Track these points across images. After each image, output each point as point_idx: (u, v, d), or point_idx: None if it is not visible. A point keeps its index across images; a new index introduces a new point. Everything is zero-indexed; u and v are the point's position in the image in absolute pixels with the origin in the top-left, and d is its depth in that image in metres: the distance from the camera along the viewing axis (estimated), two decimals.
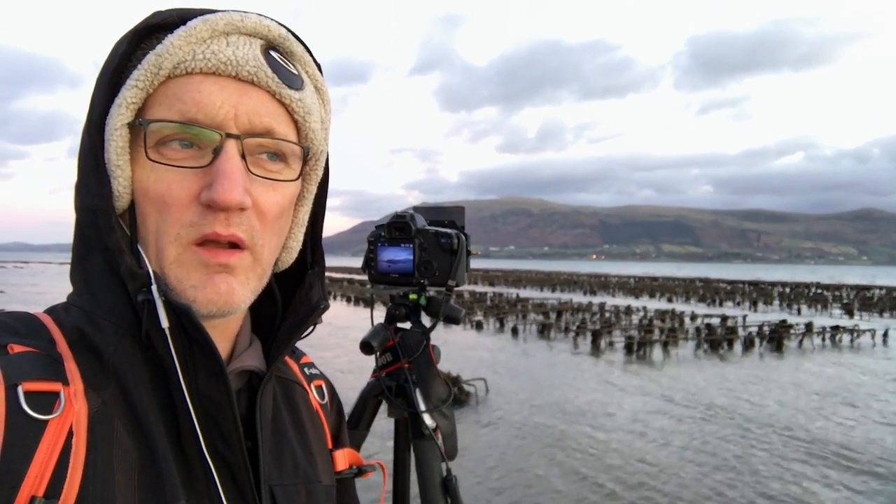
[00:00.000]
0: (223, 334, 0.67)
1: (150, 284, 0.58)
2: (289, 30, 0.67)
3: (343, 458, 0.85)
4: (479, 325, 21.50)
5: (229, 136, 0.59)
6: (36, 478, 0.50)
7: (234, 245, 0.61)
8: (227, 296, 0.61)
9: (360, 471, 0.88)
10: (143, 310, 0.58)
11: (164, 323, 0.58)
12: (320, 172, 0.73)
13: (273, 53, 0.64)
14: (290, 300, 0.75)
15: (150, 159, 0.59)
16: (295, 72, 0.66)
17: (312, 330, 0.75)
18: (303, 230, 0.74)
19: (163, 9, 0.64)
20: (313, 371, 0.88)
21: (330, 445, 0.84)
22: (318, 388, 0.86)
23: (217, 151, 0.59)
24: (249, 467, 0.63)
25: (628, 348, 16.17)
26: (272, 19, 0.65)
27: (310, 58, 0.69)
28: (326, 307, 0.76)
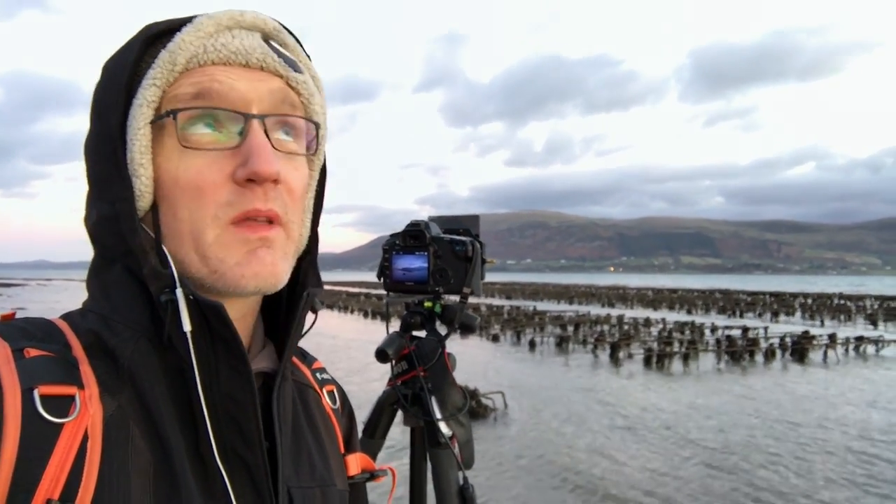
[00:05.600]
0: (244, 331, 0.68)
1: (175, 287, 0.58)
2: (282, 24, 0.70)
3: (355, 463, 0.85)
4: (495, 338, 21.40)
5: (252, 116, 0.62)
6: (51, 481, 0.50)
7: (270, 221, 0.62)
8: (272, 267, 0.62)
9: (372, 475, 0.87)
10: (165, 311, 0.59)
11: (187, 325, 0.58)
12: (322, 157, 0.75)
13: (272, 42, 0.67)
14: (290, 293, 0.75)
15: (185, 145, 0.60)
16: (293, 58, 0.69)
17: (314, 322, 0.76)
18: (309, 216, 0.75)
19: (157, 20, 0.66)
20: (325, 376, 0.88)
21: (342, 450, 0.84)
22: (330, 393, 0.87)
23: (243, 132, 0.62)
24: (268, 468, 0.63)
25: (647, 361, 15.98)
26: (266, 15, 0.69)
27: (301, 49, 0.72)
28: (320, 290, 0.75)
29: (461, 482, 1.54)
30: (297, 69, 0.68)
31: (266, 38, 0.67)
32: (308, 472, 0.72)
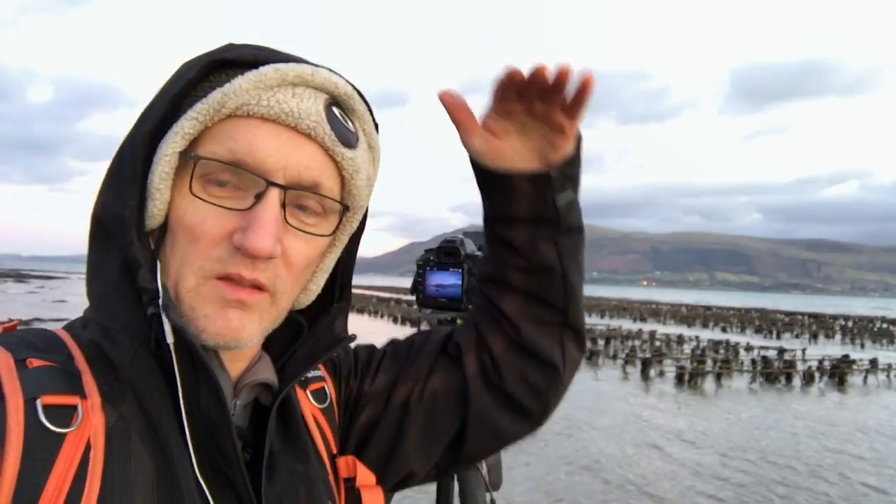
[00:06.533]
0: (237, 354, 0.68)
1: (158, 299, 0.59)
2: (355, 88, 0.68)
3: (345, 466, 0.80)
4: None
5: (273, 184, 0.60)
6: (54, 491, 0.50)
7: (256, 287, 0.62)
8: (236, 331, 0.62)
9: (352, 487, 0.79)
10: (152, 324, 0.59)
11: (170, 337, 0.58)
12: (356, 225, 0.75)
13: (335, 109, 0.65)
14: (310, 325, 0.77)
15: (193, 193, 0.60)
16: (352, 129, 0.67)
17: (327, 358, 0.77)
18: (326, 275, 0.75)
19: (237, 43, 0.65)
20: (313, 374, 0.83)
21: (335, 451, 0.81)
22: (316, 392, 0.82)
23: (259, 197, 0.60)
24: (249, 485, 0.62)
25: (679, 378, 15.69)
26: (340, 76, 0.67)
27: (369, 116, 0.71)
28: (353, 339, 0.77)
29: (489, 503, 1.52)
30: (349, 143, 0.66)
31: (333, 102, 0.65)
32: (287, 475, 0.70)
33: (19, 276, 79.54)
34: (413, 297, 1.67)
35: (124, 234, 0.61)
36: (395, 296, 57.11)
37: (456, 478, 1.56)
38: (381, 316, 34.61)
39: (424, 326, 1.82)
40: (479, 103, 0.78)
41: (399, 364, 0.87)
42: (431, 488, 1.60)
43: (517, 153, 0.78)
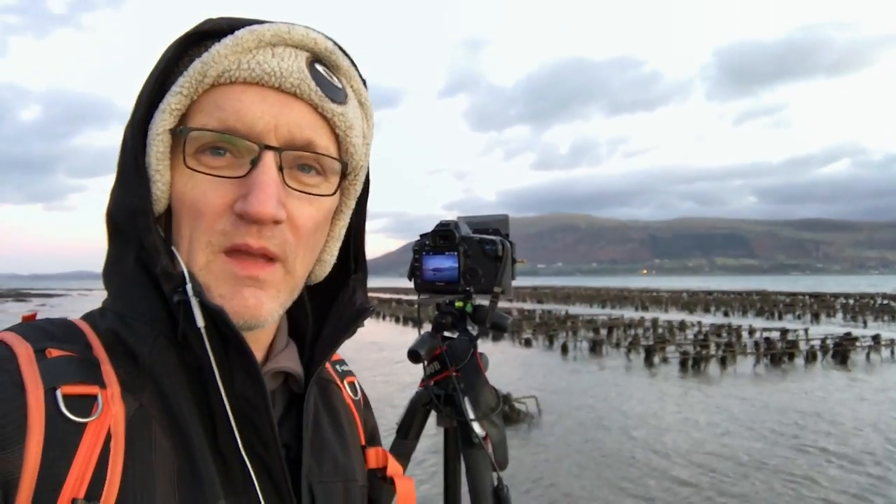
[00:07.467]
0: (258, 337, 0.67)
1: (185, 284, 0.58)
2: (336, 43, 0.67)
3: (374, 457, 0.83)
4: (528, 343, 21.26)
5: (268, 147, 0.60)
6: (76, 480, 0.50)
7: (267, 257, 0.61)
8: (254, 309, 0.61)
9: (385, 477, 0.83)
10: (178, 310, 0.59)
11: (200, 321, 0.58)
12: (359, 187, 0.73)
13: (318, 66, 0.64)
14: (331, 304, 0.76)
15: (188, 167, 0.60)
16: (339, 85, 0.66)
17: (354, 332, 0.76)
18: (338, 244, 0.74)
19: (213, 17, 0.64)
20: (345, 368, 0.88)
21: (363, 442, 0.83)
22: (351, 385, 0.86)
23: (254, 162, 0.60)
24: (286, 467, 0.63)
25: (683, 364, 15.71)
26: (319, 32, 0.65)
27: (355, 72, 0.69)
28: (373, 309, 0.76)
29: (495, 483, 1.53)
30: (337, 99, 0.64)
31: (315, 60, 0.64)
32: (331, 467, 0.72)
33: (19, 296, 79.25)
34: (412, 286, 1.67)
35: (137, 224, 0.61)
36: (396, 296, 57.04)
37: (462, 458, 1.58)
38: (384, 317, 34.56)
39: (425, 329, 1.83)
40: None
41: None
42: (439, 470, 1.61)
43: None
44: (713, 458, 8.21)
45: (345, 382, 0.85)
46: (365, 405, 0.89)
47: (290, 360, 0.71)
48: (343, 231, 0.74)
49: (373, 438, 0.87)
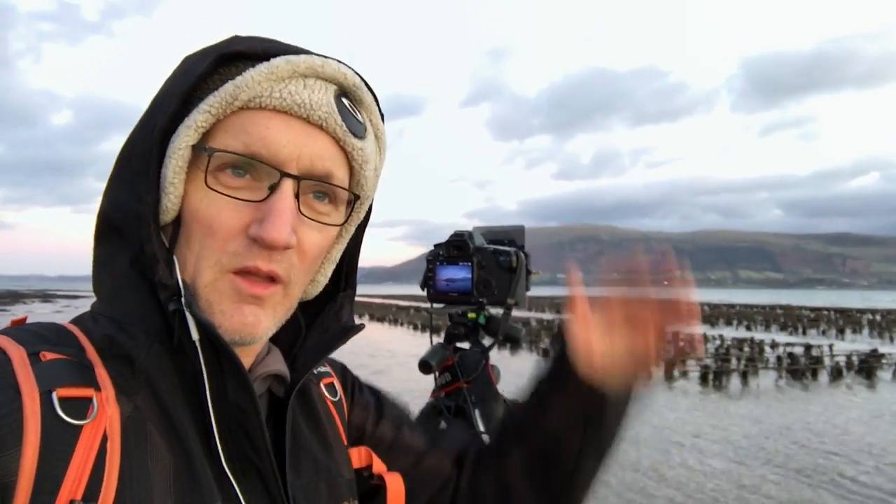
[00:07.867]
0: (249, 348, 0.68)
1: (179, 296, 0.59)
2: (363, 78, 0.69)
3: (357, 456, 0.82)
4: (546, 353, 21.04)
5: (287, 175, 0.61)
6: (74, 482, 0.51)
7: (271, 278, 0.63)
8: (252, 327, 0.63)
9: (370, 477, 0.83)
10: (174, 319, 0.60)
11: (195, 334, 0.59)
12: (363, 215, 0.76)
13: (344, 100, 0.66)
14: (316, 315, 0.78)
15: (209, 187, 0.61)
16: (361, 120, 0.68)
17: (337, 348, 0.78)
18: (333, 266, 0.76)
19: (243, 35, 0.65)
20: (322, 370, 0.87)
21: (345, 442, 0.83)
22: (328, 386, 0.86)
23: (273, 188, 0.61)
24: (277, 472, 0.64)
25: (703, 378, 15.47)
26: (349, 67, 0.67)
27: (376, 107, 0.71)
28: (361, 328, 0.78)
29: None
30: (358, 134, 0.67)
31: (342, 94, 0.66)
32: (311, 468, 0.72)
33: (45, 297, 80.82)
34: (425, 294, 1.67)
35: (139, 230, 0.61)
36: (414, 304, 57.10)
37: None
38: (401, 324, 34.62)
39: (438, 338, 1.81)
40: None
41: (412, 438, 0.91)
42: None
43: (602, 365, 0.81)
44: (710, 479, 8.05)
45: (322, 384, 0.85)
46: (353, 394, 0.89)
47: (278, 363, 0.72)
48: (339, 254, 0.76)
49: (362, 431, 0.87)
